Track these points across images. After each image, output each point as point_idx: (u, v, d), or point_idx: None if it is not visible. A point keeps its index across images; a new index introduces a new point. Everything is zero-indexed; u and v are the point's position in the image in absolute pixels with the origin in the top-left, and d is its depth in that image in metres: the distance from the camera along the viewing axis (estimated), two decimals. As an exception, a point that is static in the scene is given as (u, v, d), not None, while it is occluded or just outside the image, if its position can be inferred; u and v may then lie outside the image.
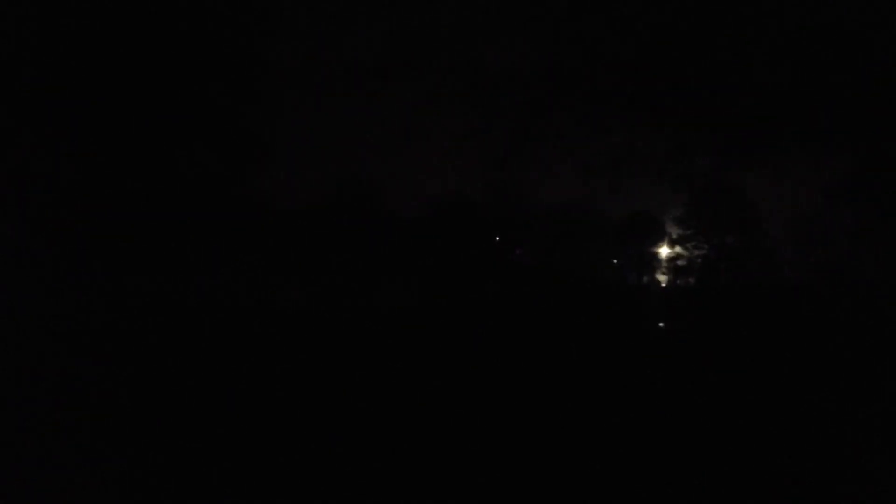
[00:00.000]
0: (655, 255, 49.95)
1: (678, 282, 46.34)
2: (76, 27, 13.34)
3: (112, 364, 8.63)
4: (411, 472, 5.01)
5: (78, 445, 5.52)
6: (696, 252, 46.17)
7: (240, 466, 5.14)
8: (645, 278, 50.35)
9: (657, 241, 49.55)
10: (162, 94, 14.21)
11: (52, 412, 6.50)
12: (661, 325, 20.36)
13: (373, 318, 18.56)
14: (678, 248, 47.19)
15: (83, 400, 6.88)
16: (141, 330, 13.17)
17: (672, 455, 5.76)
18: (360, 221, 49.98)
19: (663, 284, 47.54)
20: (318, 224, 48.92)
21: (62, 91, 12.97)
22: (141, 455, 5.25)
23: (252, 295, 25.53)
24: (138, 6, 13.53)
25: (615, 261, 54.61)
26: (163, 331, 13.33)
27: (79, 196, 15.61)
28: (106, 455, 5.31)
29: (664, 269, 48.76)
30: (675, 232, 47.11)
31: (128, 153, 14.80)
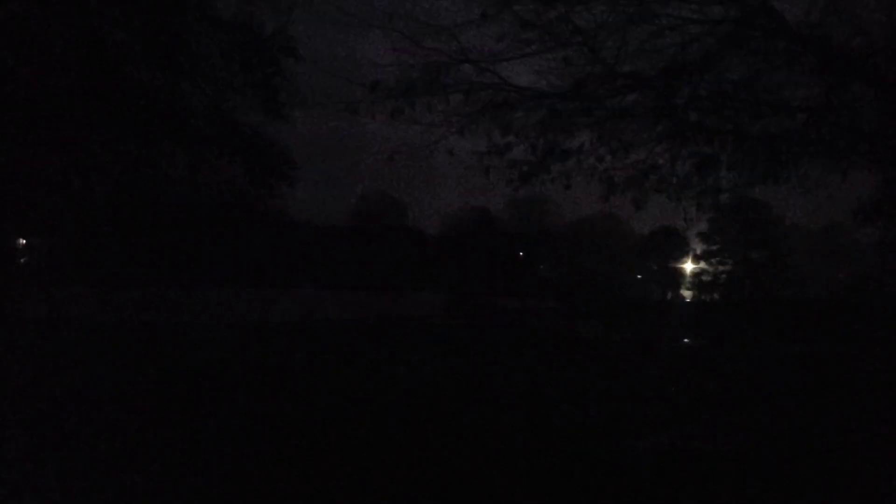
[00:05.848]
0: (680, 271, 49.66)
1: (703, 297, 46.03)
2: (111, 51, 13.92)
3: (133, 380, 8.71)
4: (432, 491, 4.97)
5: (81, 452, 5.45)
6: (721, 268, 45.91)
7: (254, 480, 5.06)
8: (669, 294, 50.10)
9: (681, 257, 49.29)
10: (187, 107, 14.61)
11: (55, 417, 6.42)
12: (685, 340, 20.47)
13: (395, 332, 18.79)
14: (703, 264, 46.96)
15: (94, 409, 6.79)
16: (163, 342, 13.45)
17: (697, 473, 5.60)
18: (384, 237, 50.54)
19: (688, 300, 47.24)
20: (341, 239, 49.59)
21: (83, 104, 13.42)
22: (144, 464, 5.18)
23: (276, 307, 25.90)
24: (165, 23, 14.00)
25: (639, 276, 54.40)
26: (184, 343, 13.63)
27: (103, 210, 16.13)
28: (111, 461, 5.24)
29: (689, 285, 48.49)
30: (699, 247, 46.90)
31: (152, 168, 15.23)
